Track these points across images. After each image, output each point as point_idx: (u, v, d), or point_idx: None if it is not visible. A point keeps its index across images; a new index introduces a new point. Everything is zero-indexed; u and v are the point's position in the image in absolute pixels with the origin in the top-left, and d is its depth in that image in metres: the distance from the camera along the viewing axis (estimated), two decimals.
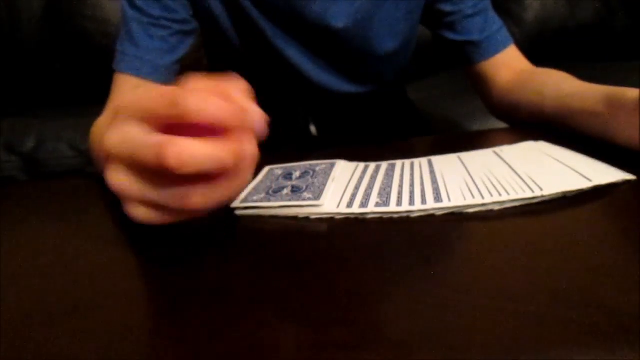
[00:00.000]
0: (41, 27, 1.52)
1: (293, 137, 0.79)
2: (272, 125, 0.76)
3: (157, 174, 0.27)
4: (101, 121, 0.56)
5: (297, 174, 0.47)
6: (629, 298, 0.26)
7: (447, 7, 0.72)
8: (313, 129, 0.81)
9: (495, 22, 0.72)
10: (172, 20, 0.64)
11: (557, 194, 0.39)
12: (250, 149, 0.28)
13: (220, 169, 0.27)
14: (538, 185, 0.40)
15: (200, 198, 0.28)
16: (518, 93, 0.66)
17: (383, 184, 0.44)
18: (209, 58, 0.85)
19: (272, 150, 0.71)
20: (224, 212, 0.41)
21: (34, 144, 1.19)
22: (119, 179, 0.29)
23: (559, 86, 0.61)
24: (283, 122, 0.77)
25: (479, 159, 0.49)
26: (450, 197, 0.39)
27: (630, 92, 0.47)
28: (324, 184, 0.43)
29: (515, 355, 0.22)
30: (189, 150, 0.26)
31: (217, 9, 0.68)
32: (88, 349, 0.25)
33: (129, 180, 0.29)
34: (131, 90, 0.61)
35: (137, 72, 0.62)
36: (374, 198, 0.41)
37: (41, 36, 1.51)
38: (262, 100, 0.81)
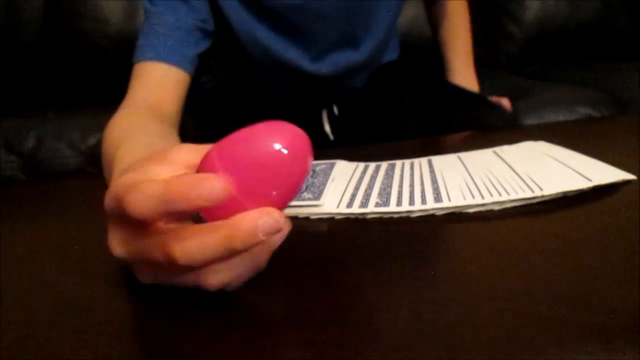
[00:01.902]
0: (41, 27, 1.51)
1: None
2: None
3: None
4: (117, 121, 0.55)
5: None
6: (629, 298, 0.26)
7: None
8: (327, 128, 0.82)
9: None
10: (195, 17, 0.65)
11: (557, 193, 0.39)
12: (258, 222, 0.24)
13: (232, 253, 0.25)
14: (538, 185, 0.40)
15: (217, 277, 0.26)
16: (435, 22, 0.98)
17: (383, 184, 0.44)
18: (217, 66, 0.86)
19: None
20: None
21: (33, 143, 1.19)
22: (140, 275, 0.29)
23: (449, 43, 0.94)
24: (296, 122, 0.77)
25: (479, 159, 0.49)
26: (450, 197, 0.39)
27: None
28: (324, 184, 0.43)
29: (515, 355, 0.22)
30: (194, 245, 0.24)
31: (233, 11, 0.70)
32: (88, 349, 0.25)
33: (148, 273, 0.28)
34: (159, 79, 0.62)
35: (167, 59, 0.62)
36: (373, 198, 0.41)
37: (41, 36, 1.51)
38: (273, 101, 0.80)
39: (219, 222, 0.25)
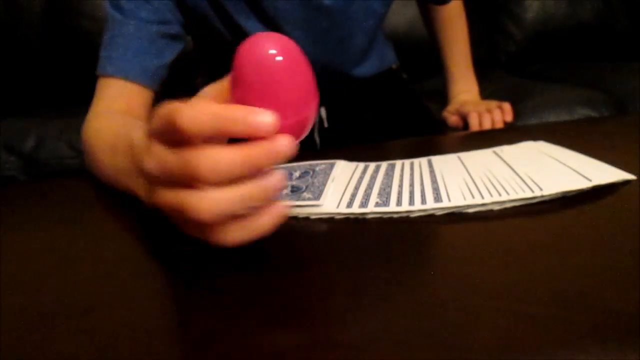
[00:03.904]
0: (41, 27, 1.51)
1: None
2: None
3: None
4: (95, 124, 0.55)
5: (296, 173, 0.47)
6: (629, 298, 0.26)
7: None
8: (323, 112, 0.81)
9: None
10: (158, 22, 0.63)
11: (557, 193, 0.39)
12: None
13: (252, 171, 0.27)
14: (538, 185, 0.40)
15: (230, 235, 0.29)
16: (432, 27, 0.98)
17: (383, 183, 0.44)
18: (200, 62, 0.85)
19: None
20: None
21: (33, 144, 1.19)
22: (159, 199, 0.30)
23: (447, 47, 0.95)
24: None
25: (479, 159, 0.49)
26: (450, 197, 0.39)
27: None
28: (324, 184, 0.43)
29: (515, 355, 0.22)
30: (219, 155, 0.26)
31: (203, 7, 0.68)
32: (88, 349, 0.25)
33: (167, 199, 0.29)
34: (118, 93, 0.61)
35: (125, 74, 0.61)
36: (373, 198, 0.41)
37: (41, 36, 1.51)
38: None
39: (242, 143, 0.27)
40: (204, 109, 0.27)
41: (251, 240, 0.29)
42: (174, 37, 0.66)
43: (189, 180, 0.27)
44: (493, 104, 0.86)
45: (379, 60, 0.86)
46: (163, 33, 0.64)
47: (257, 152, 0.27)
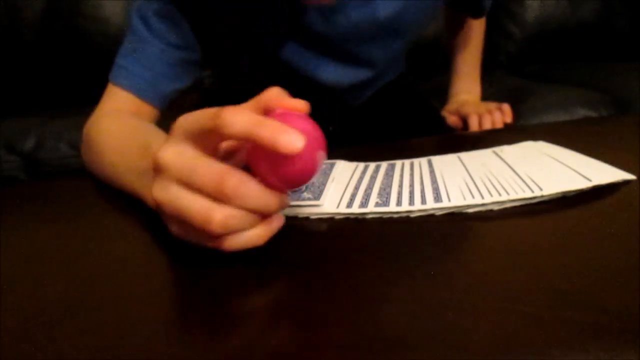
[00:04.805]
0: (41, 27, 1.52)
1: None
2: None
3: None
4: (104, 123, 0.55)
5: None
6: (629, 298, 0.26)
7: None
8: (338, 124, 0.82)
9: None
10: (184, 48, 0.63)
11: (557, 193, 0.39)
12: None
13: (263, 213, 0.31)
14: (538, 185, 0.40)
15: (235, 241, 0.31)
16: (452, 31, 0.99)
17: (383, 184, 0.44)
18: (213, 73, 0.85)
19: None
20: None
21: (34, 143, 1.19)
22: (166, 195, 0.30)
23: (459, 56, 0.97)
24: None
25: (479, 159, 0.49)
26: (450, 197, 0.39)
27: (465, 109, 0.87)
28: (324, 184, 0.43)
29: (515, 355, 0.22)
30: (245, 184, 0.29)
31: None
32: (88, 349, 0.25)
33: (176, 197, 0.30)
34: (127, 106, 0.60)
35: (139, 93, 0.60)
36: (373, 198, 0.41)
37: (41, 36, 1.51)
38: None
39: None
40: (245, 110, 0.29)
41: (247, 248, 0.31)
42: (194, 64, 0.65)
43: (214, 192, 0.29)
44: (493, 105, 0.87)
45: (401, 65, 0.87)
46: (186, 59, 0.63)
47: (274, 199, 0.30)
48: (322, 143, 0.31)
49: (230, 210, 0.29)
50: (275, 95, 0.32)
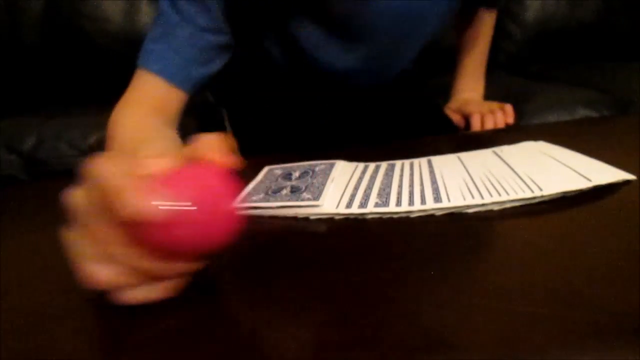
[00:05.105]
0: (41, 27, 1.51)
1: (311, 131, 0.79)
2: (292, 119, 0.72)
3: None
4: (128, 117, 0.56)
5: (296, 174, 0.47)
6: (629, 298, 0.26)
7: None
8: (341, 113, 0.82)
9: None
10: (214, 31, 0.62)
11: (557, 194, 0.39)
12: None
13: None
14: (538, 185, 0.40)
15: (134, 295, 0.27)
16: (461, 30, 0.99)
17: (382, 184, 0.44)
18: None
19: (291, 143, 0.71)
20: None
21: (34, 143, 1.19)
22: (69, 235, 0.28)
23: (464, 54, 0.98)
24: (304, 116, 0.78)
25: (479, 159, 0.49)
26: (450, 197, 0.39)
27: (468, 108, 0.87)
28: (324, 184, 0.43)
29: (515, 355, 0.22)
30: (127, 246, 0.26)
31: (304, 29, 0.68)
32: (87, 349, 0.25)
33: (73, 242, 0.28)
34: (155, 91, 0.60)
35: (170, 78, 0.60)
36: (373, 198, 0.41)
37: (41, 36, 1.51)
38: (283, 97, 0.78)
39: None
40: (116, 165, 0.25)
41: (155, 300, 0.28)
42: (224, 48, 0.65)
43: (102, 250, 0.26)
44: (495, 105, 0.87)
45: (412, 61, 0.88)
46: (215, 43, 0.63)
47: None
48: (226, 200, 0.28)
49: (115, 269, 0.26)
50: (200, 147, 0.29)
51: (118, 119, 0.55)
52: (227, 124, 0.83)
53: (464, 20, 0.98)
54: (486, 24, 0.97)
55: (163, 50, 0.60)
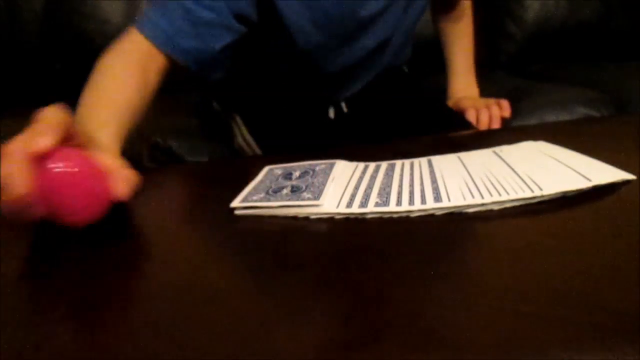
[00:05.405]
0: (41, 27, 1.51)
1: (312, 123, 0.80)
2: (291, 112, 0.74)
3: None
4: (109, 61, 0.60)
5: (296, 173, 0.47)
6: (629, 298, 0.26)
7: None
8: (331, 112, 0.82)
9: None
10: (212, 9, 0.62)
11: (557, 193, 0.39)
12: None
13: None
14: (538, 185, 0.40)
15: None
16: (440, 22, 0.99)
17: (383, 183, 0.44)
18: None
19: (292, 137, 0.72)
20: (224, 211, 0.41)
21: None
22: None
23: (451, 48, 0.98)
24: (303, 109, 0.80)
25: (479, 159, 0.49)
26: (450, 197, 0.39)
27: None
28: (324, 184, 0.43)
29: (515, 355, 0.22)
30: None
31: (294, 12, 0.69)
32: (87, 350, 0.25)
33: None
34: (141, 50, 0.61)
35: (156, 41, 0.61)
36: (373, 198, 0.41)
37: (41, 36, 1.51)
38: (281, 90, 0.79)
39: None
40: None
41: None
42: (223, 28, 0.65)
43: None
44: (491, 100, 0.87)
45: (407, 52, 0.89)
46: (212, 21, 0.63)
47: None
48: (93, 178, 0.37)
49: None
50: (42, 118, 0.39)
51: (103, 62, 0.59)
52: (237, 131, 0.83)
53: (438, 16, 0.98)
54: (462, 19, 0.97)
55: (157, 18, 0.61)
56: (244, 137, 0.82)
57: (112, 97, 0.55)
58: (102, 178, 0.37)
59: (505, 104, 0.86)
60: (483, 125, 0.84)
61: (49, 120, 0.38)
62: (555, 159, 0.46)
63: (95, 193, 0.37)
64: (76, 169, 0.36)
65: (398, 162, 0.50)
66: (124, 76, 0.58)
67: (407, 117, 0.83)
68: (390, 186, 0.43)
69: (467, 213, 0.38)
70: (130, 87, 0.57)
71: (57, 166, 0.36)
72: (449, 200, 0.39)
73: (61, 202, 0.36)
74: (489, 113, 0.84)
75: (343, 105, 0.84)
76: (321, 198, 0.40)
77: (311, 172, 0.47)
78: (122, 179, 0.39)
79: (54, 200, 0.35)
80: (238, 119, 0.83)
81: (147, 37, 0.61)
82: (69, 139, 0.38)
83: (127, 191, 0.39)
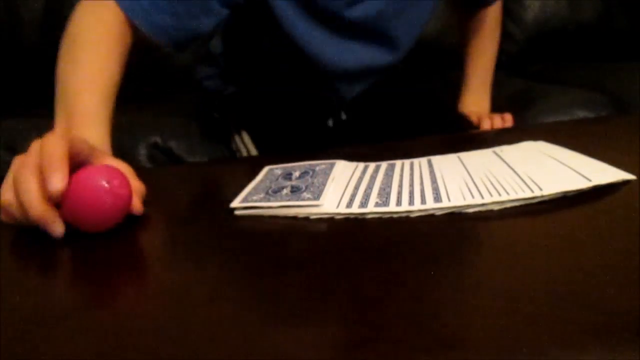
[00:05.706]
0: (41, 28, 1.51)
1: (316, 128, 0.80)
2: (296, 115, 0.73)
3: None
4: (85, 22, 0.59)
5: (296, 174, 0.47)
6: (629, 298, 0.26)
7: None
8: (330, 121, 0.83)
9: None
10: None
11: (557, 193, 0.39)
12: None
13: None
14: (538, 185, 0.40)
15: None
16: (466, 33, 0.99)
17: (383, 183, 0.44)
18: (226, 48, 0.85)
19: (292, 145, 0.72)
20: (224, 211, 0.41)
21: None
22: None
23: (474, 61, 0.99)
24: (307, 110, 0.80)
25: (479, 159, 0.49)
26: (450, 197, 0.39)
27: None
28: (324, 184, 0.43)
29: (515, 355, 0.22)
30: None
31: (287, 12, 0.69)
32: (87, 350, 0.25)
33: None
34: (106, 17, 0.60)
35: (129, 13, 0.59)
36: (373, 198, 0.41)
37: (41, 36, 1.51)
38: (284, 90, 0.79)
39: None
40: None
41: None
42: (204, 13, 0.64)
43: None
44: (496, 114, 0.89)
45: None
46: (194, 3, 0.62)
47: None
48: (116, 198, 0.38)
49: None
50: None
51: (77, 36, 0.59)
52: (237, 139, 0.83)
53: (466, 28, 0.98)
54: (490, 32, 0.97)
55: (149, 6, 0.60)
56: (245, 144, 0.82)
57: (96, 80, 0.56)
58: (128, 196, 0.40)
59: (508, 117, 0.88)
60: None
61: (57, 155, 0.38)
62: (555, 159, 0.46)
63: (119, 209, 0.39)
64: (107, 186, 0.38)
65: (398, 162, 0.50)
66: (105, 51, 0.57)
67: (405, 121, 0.83)
68: (390, 186, 0.43)
69: (467, 213, 0.38)
70: (112, 66, 0.57)
71: (94, 182, 0.38)
72: (449, 200, 0.39)
73: (86, 215, 0.38)
74: (491, 122, 0.86)
75: (342, 113, 0.84)
76: (321, 198, 0.40)
77: (311, 172, 0.47)
78: (139, 196, 0.42)
79: (79, 212, 0.38)
80: (244, 135, 0.83)
81: (123, 8, 0.59)
82: (75, 157, 0.40)
83: (142, 206, 0.42)
